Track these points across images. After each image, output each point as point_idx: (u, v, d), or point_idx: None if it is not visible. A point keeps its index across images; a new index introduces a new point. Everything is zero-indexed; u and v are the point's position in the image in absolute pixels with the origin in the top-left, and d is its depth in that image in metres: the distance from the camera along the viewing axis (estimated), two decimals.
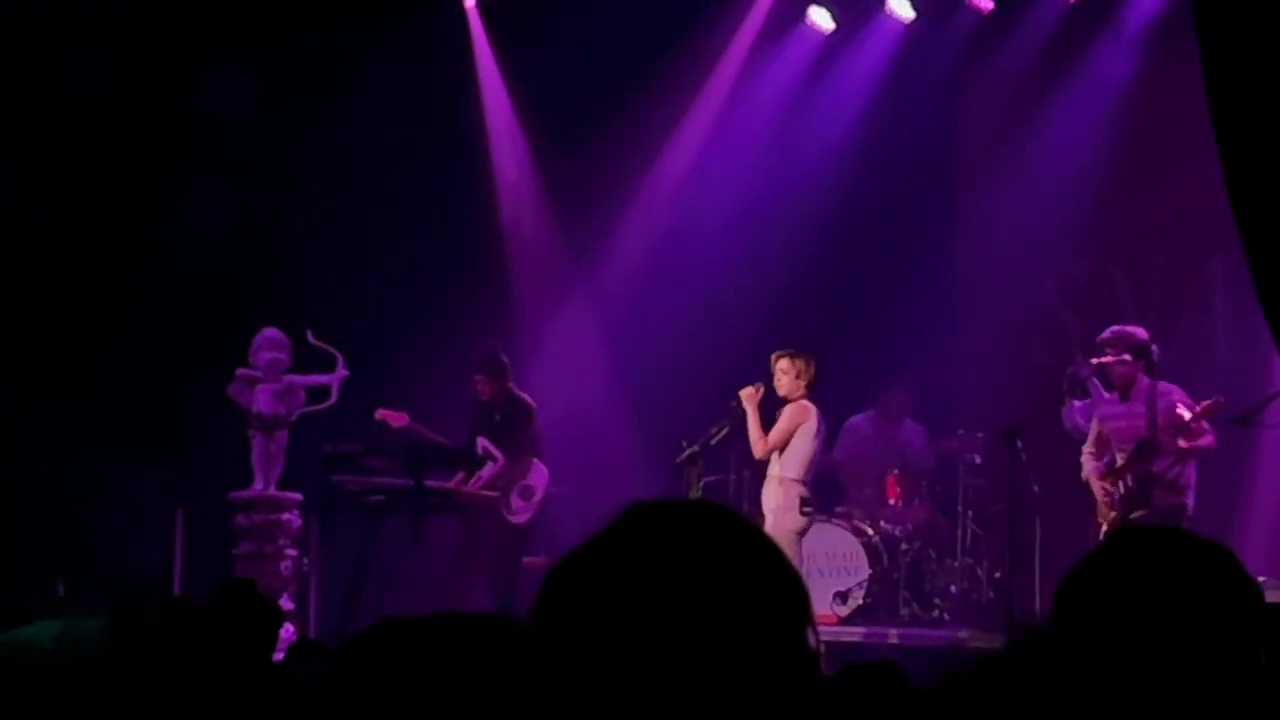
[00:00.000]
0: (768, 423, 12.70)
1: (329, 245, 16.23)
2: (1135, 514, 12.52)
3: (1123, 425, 12.69)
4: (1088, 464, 13.04)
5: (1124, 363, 12.58)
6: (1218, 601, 2.37)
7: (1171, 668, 2.32)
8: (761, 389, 12.61)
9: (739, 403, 12.64)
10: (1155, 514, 12.31)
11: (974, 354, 16.66)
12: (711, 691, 1.91)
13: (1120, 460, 12.72)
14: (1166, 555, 2.42)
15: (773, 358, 12.74)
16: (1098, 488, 12.86)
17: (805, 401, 12.63)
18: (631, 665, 1.91)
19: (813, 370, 12.66)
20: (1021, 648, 2.23)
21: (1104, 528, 12.88)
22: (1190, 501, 12.55)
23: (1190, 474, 12.62)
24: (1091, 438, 13.09)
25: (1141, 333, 12.88)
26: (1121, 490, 12.66)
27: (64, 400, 14.79)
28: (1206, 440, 12.57)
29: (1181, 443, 12.44)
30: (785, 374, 12.62)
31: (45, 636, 2.09)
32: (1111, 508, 12.71)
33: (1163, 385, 12.65)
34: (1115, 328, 13.04)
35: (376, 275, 16.21)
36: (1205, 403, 12.50)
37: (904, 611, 14.90)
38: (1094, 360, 12.85)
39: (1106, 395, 13.14)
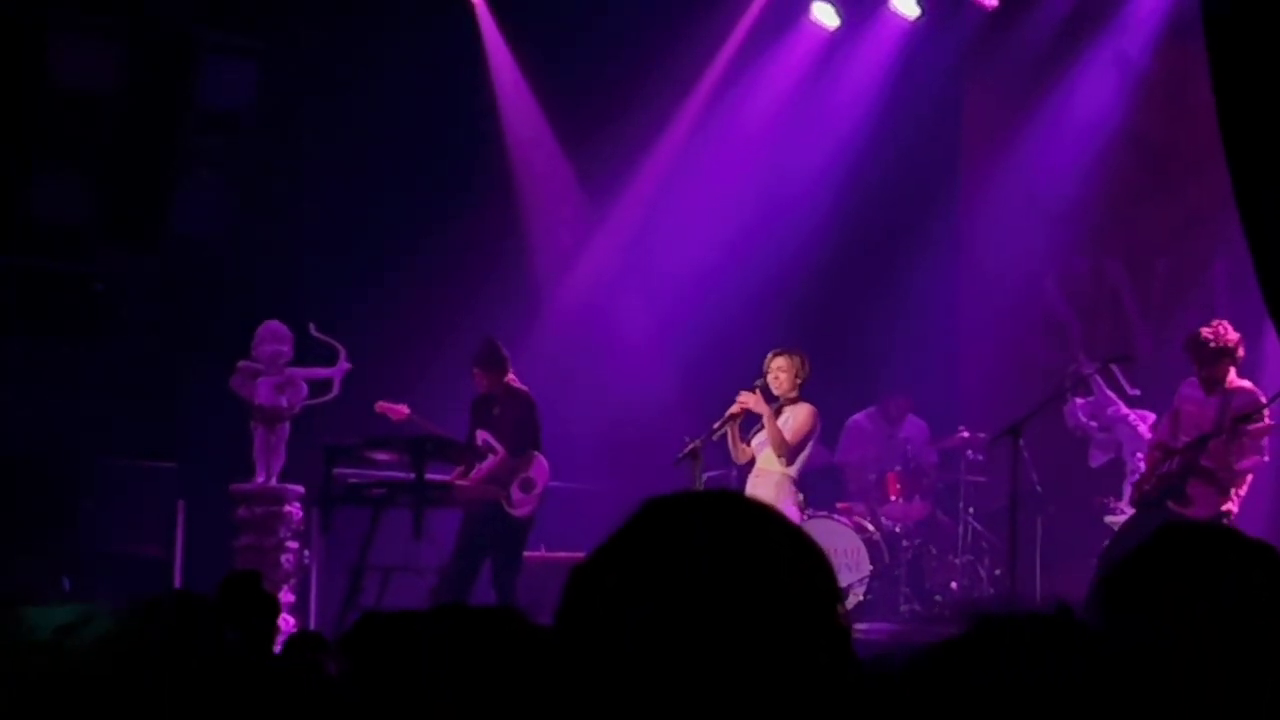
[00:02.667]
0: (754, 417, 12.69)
1: (332, 237, 16.22)
2: (1171, 502, 12.38)
3: (1194, 411, 12.59)
4: (1157, 433, 12.89)
5: (1205, 368, 12.52)
6: (1261, 599, 2.37)
7: (1212, 665, 2.31)
8: (758, 391, 12.59)
9: (732, 414, 12.61)
10: (1194, 516, 12.17)
11: (976, 351, 16.66)
12: (750, 680, 1.91)
13: (1181, 444, 12.61)
14: (1211, 552, 2.42)
15: (768, 356, 12.73)
16: (1150, 453, 12.72)
17: (811, 405, 12.63)
18: (665, 664, 1.90)
19: (808, 368, 12.66)
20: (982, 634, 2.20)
21: (1124, 499, 12.81)
22: (1235, 508, 12.43)
23: (1237, 483, 12.48)
24: (1170, 413, 12.92)
25: (1231, 335, 12.76)
26: (1166, 469, 12.55)
27: (65, 392, 14.80)
28: (1250, 460, 12.47)
29: (1231, 452, 12.35)
30: (783, 371, 12.60)
31: (46, 626, 2.09)
32: (1149, 479, 12.60)
33: (1239, 383, 12.53)
34: (1191, 335, 12.99)
35: (380, 268, 16.21)
36: (1264, 424, 12.42)
37: (904, 608, 14.91)
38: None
39: (1192, 378, 12.95)
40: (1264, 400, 12.44)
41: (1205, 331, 12.63)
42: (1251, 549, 2.44)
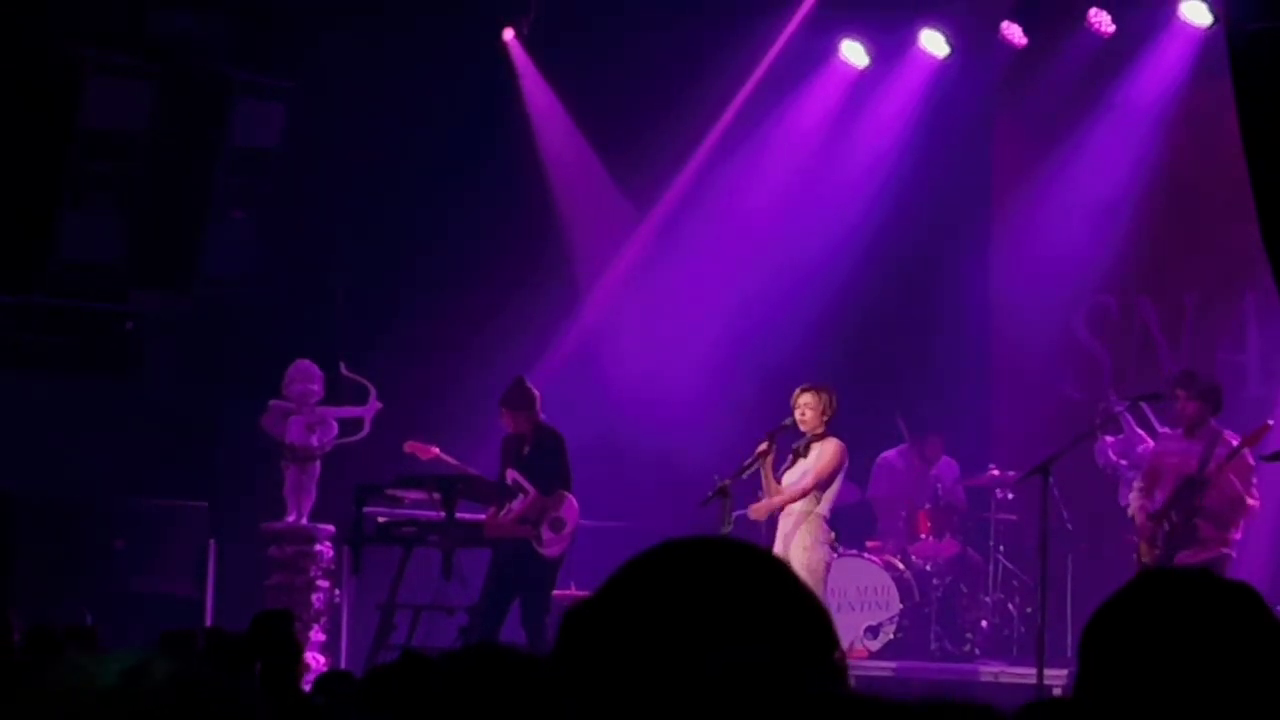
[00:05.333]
0: (784, 455, 12.71)
1: (363, 276, 16.27)
2: (1183, 554, 12.45)
3: (1175, 461, 12.68)
4: (1136, 499, 13.01)
5: (1192, 403, 12.69)
6: (1245, 644, 2.36)
7: (1192, 708, 2.31)
8: (771, 446, 12.61)
9: (770, 441, 12.61)
10: (1202, 560, 12.21)
11: (1006, 389, 16.64)
12: None
13: (1164, 496, 12.69)
14: (1193, 597, 2.42)
15: (796, 392, 12.73)
16: (1142, 525, 12.82)
17: (839, 441, 12.62)
18: (655, 708, 1.91)
19: (835, 404, 12.66)
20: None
21: (1146, 564, 12.89)
22: (1235, 553, 12.51)
23: (1238, 522, 12.58)
24: (1145, 470, 13.07)
25: (1208, 377, 13.02)
26: (1166, 528, 12.61)
27: (95, 431, 14.84)
28: (1253, 502, 12.58)
29: (1232, 477, 12.42)
30: (810, 408, 12.59)
31: (110, 671, 2.08)
32: (1155, 546, 12.66)
33: (1227, 433, 12.64)
34: (1185, 369, 13.22)
35: (411, 306, 16.24)
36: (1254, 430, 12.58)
37: (935, 646, 14.87)
38: (1178, 392, 12.87)
39: (1166, 430, 13.16)
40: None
41: (1198, 371, 12.95)
42: (1229, 591, 2.43)
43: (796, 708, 1.92)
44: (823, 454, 12.55)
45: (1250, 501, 12.54)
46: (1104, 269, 16.23)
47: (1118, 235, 16.00)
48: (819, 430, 12.59)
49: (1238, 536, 12.58)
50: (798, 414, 12.60)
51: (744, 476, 12.68)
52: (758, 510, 12.68)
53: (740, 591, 1.96)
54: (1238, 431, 12.72)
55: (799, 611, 1.99)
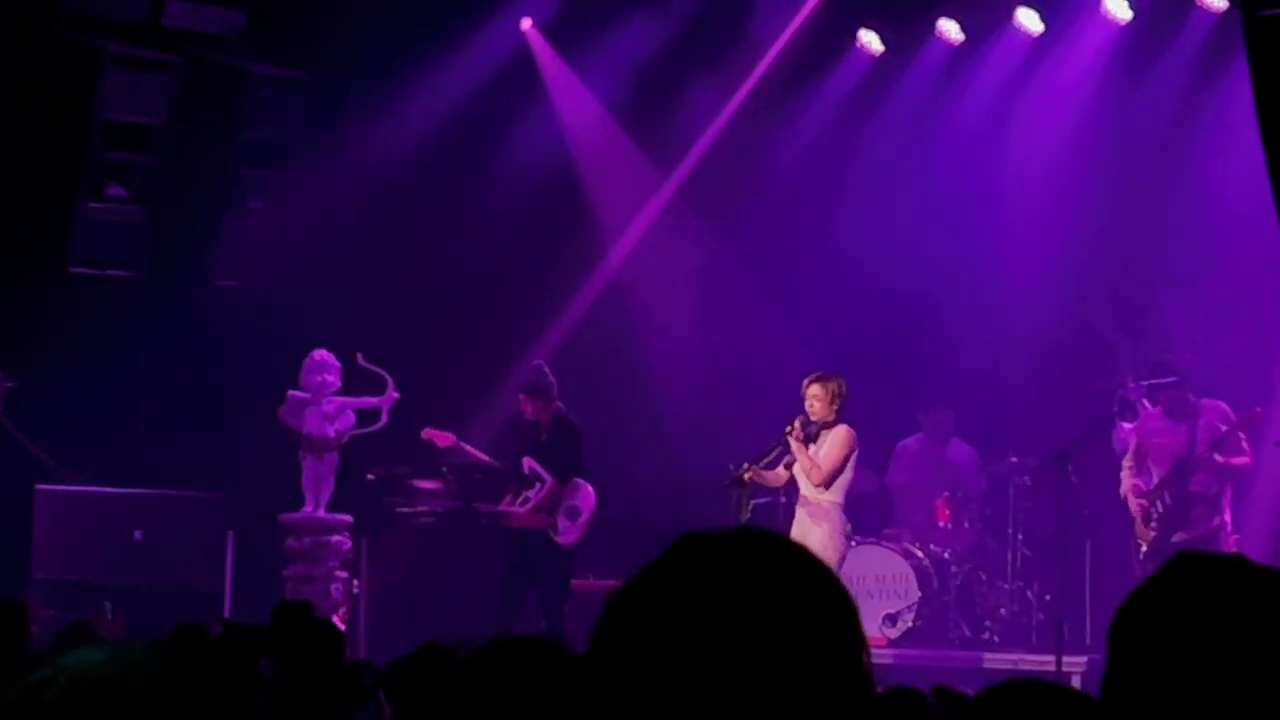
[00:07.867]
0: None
1: (380, 266, 16.27)
2: (1177, 536, 12.57)
3: (1163, 442, 12.82)
4: (1126, 480, 13.14)
5: (1171, 387, 12.86)
6: (1273, 629, 2.35)
7: (1234, 700, 2.30)
8: (800, 423, 12.63)
9: (792, 429, 12.64)
10: (1198, 535, 12.39)
11: (1024, 376, 16.61)
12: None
13: (1157, 477, 12.81)
14: (1227, 584, 2.41)
15: (804, 382, 12.73)
16: (1134, 504, 12.96)
17: (849, 428, 12.64)
18: (689, 697, 1.91)
19: (845, 391, 12.67)
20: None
21: (1143, 547, 12.98)
22: (1229, 519, 12.66)
23: (1228, 491, 12.80)
24: (1131, 451, 13.20)
25: (1183, 359, 13.12)
26: (1160, 509, 12.73)
27: (113, 423, 14.86)
28: (1241, 460, 12.73)
29: (1218, 457, 12.59)
30: (818, 399, 12.60)
31: (97, 659, 2.06)
32: (1149, 525, 12.81)
33: (1205, 402, 12.76)
34: (1157, 356, 13.33)
35: (427, 296, 16.24)
36: (1243, 415, 12.73)
37: (953, 634, 14.86)
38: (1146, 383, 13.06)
39: (1152, 409, 13.29)
40: (1229, 410, 12.74)
41: (1170, 356, 13.06)
42: (1264, 577, 2.42)
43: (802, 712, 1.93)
44: (830, 446, 12.58)
45: (1236, 461, 12.70)
46: (1124, 257, 16.21)
47: (1138, 222, 15.96)
48: (829, 418, 12.61)
49: (1229, 501, 12.78)
50: (806, 404, 12.63)
51: (763, 466, 12.71)
52: (777, 476, 12.74)
53: (774, 587, 1.96)
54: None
55: (831, 609, 1.99)
